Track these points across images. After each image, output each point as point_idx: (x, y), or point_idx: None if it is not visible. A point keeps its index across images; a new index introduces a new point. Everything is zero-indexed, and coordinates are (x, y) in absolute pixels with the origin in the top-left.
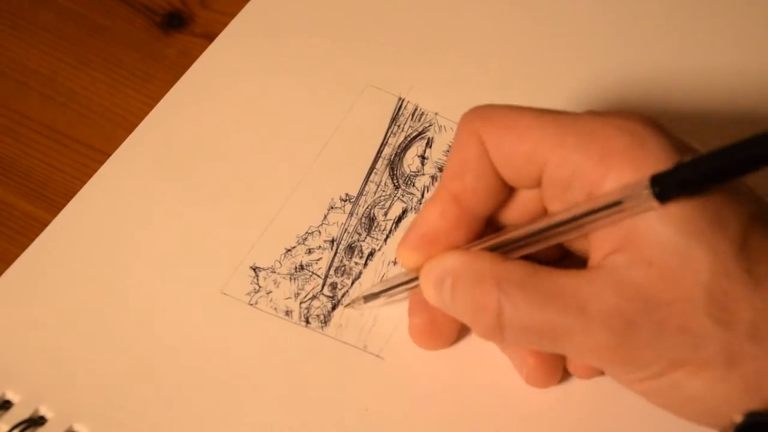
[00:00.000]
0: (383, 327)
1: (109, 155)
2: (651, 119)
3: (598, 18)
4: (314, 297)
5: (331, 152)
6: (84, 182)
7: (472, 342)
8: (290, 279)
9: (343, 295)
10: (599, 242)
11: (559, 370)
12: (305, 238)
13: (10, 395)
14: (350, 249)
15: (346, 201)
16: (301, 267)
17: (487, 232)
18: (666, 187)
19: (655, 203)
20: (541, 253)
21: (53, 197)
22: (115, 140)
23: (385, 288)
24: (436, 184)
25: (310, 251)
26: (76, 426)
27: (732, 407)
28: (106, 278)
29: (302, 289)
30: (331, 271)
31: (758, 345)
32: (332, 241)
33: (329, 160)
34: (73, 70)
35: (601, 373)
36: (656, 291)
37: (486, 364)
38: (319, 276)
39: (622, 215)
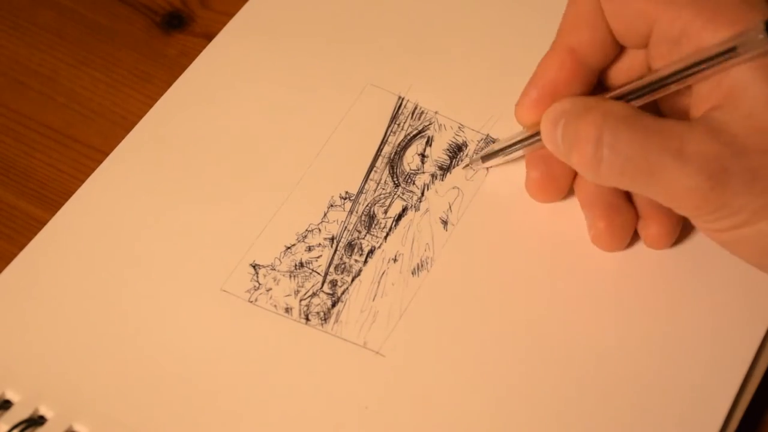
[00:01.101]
0: (383, 324)
1: (109, 155)
2: None
3: None
4: (314, 294)
5: (331, 150)
6: (84, 182)
7: (472, 343)
8: (290, 276)
9: (342, 293)
10: (700, 99)
11: (625, 238)
12: (305, 236)
13: (10, 395)
14: (350, 246)
15: (346, 199)
16: (301, 264)
17: (597, 90)
18: None
19: None
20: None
21: (53, 197)
22: (114, 140)
23: (504, 146)
24: (436, 182)
25: (309, 249)
26: (76, 426)
27: None
28: (105, 277)
29: (302, 287)
30: (331, 269)
31: None
32: (332, 239)
33: (329, 158)
34: (73, 70)
35: (671, 245)
36: (753, 141)
37: (485, 365)
38: (318, 273)
39: (737, 60)
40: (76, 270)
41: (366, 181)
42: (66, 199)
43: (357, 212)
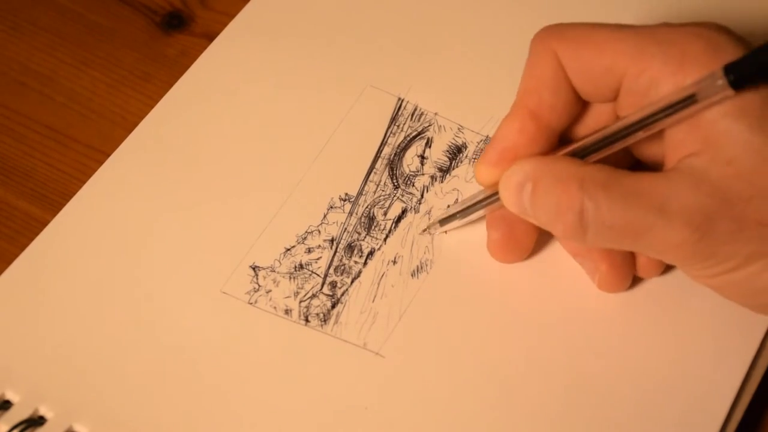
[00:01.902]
0: (383, 325)
1: (109, 155)
2: (724, 27)
3: (599, 18)
4: (314, 296)
5: (330, 152)
6: (84, 182)
7: (471, 344)
8: (290, 278)
9: (342, 294)
10: (675, 146)
11: (629, 275)
12: (305, 238)
13: (10, 395)
14: (350, 248)
15: (345, 200)
16: (301, 266)
17: (559, 145)
18: (739, 76)
19: (729, 92)
20: (612, 162)
21: (53, 197)
22: (114, 140)
23: (461, 208)
24: (436, 183)
25: (309, 250)
26: (76, 426)
27: None
28: (105, 278)
29: (302, 288)
30: (331, 270)
31: None
32: (332, 241)
33: (329, 159)
34: (73, 70)
35: (664, 270)
36: (735, 188)
37: (484, 366)
38: (318, 275)
39: (696, 108)
40: (77, 271)
41: (366, 182)
42: (66, 200)
43: (357, 214)
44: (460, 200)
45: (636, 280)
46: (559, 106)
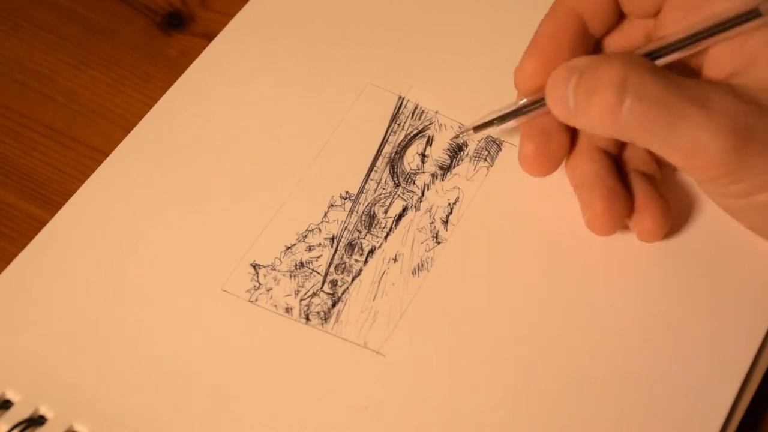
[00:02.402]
0: (383, 323)
1: (109, 155)
2: None
3: None
4: (314, 294)
5: (331, 150)
6: (84, 182)
7: (472, 342)
8: (290, 276)
9: (343, 293)
10: (718, 65)
11: (619, 222)
12: (305, 236)
13: (10, 395)
14: (350, 246)
15: (346, 199)
16: (301, 264)
17: None
18: None
19: None
20: None
21: (53, 197)
22: (115, 140)
23: (499, 115)
24: (436, 182)
25: (310, 249)
26: (76, 426)
27: None
28: (105, 277)
29: (302, 286)
30: (332, 269)
31: None
32: (332, 239)
33: (329, 158)
34: (73, 70)
35: (663, 237)
36: None
37: (485, 365)
38: (319, 273)
39: (759, 22)
40: (77, 270)
41: (366, 180)
42: (66, 199)
43: (357, 212)
44: (496, 108)
45: (635, 280)
46: (600, 8)
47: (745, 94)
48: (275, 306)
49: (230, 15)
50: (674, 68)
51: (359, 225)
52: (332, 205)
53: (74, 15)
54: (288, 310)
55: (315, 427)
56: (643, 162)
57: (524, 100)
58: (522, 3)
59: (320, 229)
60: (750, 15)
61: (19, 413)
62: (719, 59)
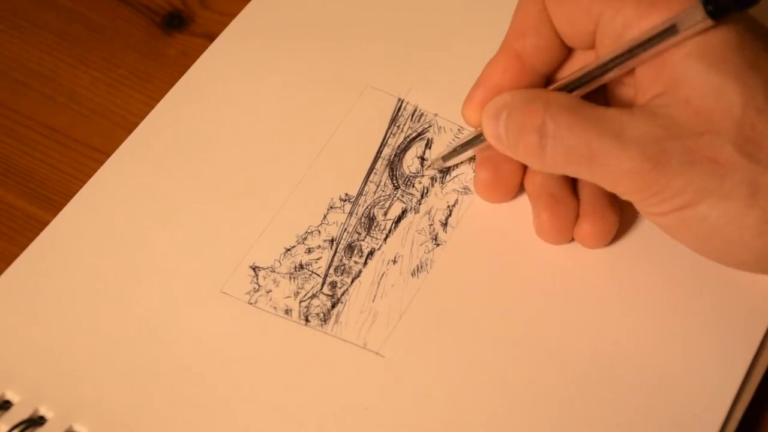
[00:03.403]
0: (383, 324)
1: (109, 155)
2: None
3: None
4: (314, 296)
5: (330, 152)
6: (84, 182)
7: (472, 343)
8: (290, 278)
9: (342, 294)
10: (644, 88)
11: (567, 231)
12: (305, 238)
13: (10, 395)
14: (350, 248)
15: (345, 201)
16: (301, 266)
17: None
18: (718, 5)
19: (709, 21)
20: None
21: (53, 197)
22: (115, 140)
23: (456, 146)
24: (435, 184)
25: (309, 250)
26: (76, 426)
27: (752, 237)
28: (105, 278)
29: (302, 288)
30: (331, 270)
31: None
32: (332, 241)
33: (329, 160)
34: (73, 70)
35: (605, 245)
36: (690, 124)
37: (484, 366)
38: (318, 275)
39: (676, 39)
40: (77, 271)
41: (366, 183)
42: (66, 200)
43: (357, 214)
44: (459, 138)
45: (634, 282)
46: (543, 48)
47: (663, 114)
48: (275, 308)
49: (230, 15)
50: (604, 95)
51: (359, 227)
52: (332, 207)
53: (74, 15)
54: (287, 311)
55: (315, 427)
56: None
57: (473, 134)
58: None
59: (320, 231)
60: (667, 33)
61: (18, 413)
62: (644, 81)
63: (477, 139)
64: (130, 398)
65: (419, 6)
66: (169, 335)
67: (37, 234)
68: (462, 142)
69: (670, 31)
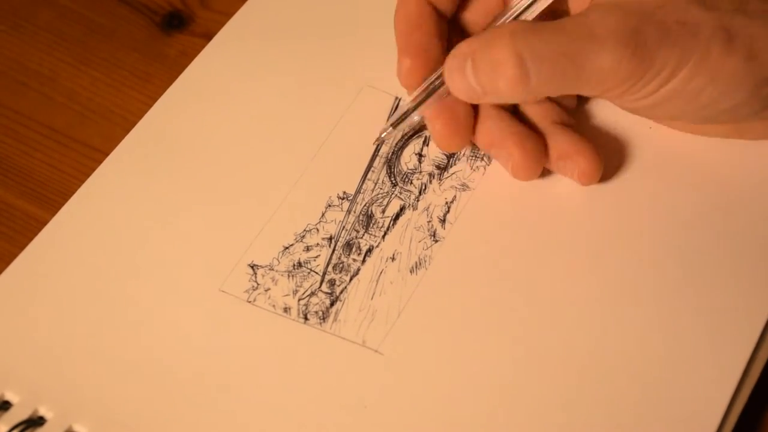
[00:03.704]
0: (382, 322)
1: (109, 155)
2: None
3: None
4: (312, 294)
5: (328, 151)
6: (84, 182)
7: (471, 340)
8: (288, 276)
9: (341, 292)
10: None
11: (541, 162)
12: (303, 236)
13: (9, 395)
14: (348, 246)
15: (343, 199)
16: (299, 264)
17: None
18: None
19: None
20: None
21: (53, 197)
22: (114, 140)
23: (406, 110)
24: (433, 181)
25: (308, 249)
26: (76, 426)
27: (739, 80)
28: (104, 277)
29: (300, 286)
30: (329, 268)
31: (743, 15)
32: (330, 239)
33: (327, 158)
34: (73, 70)
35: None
36: (647, 1)
37: (483, 363)
38: (317, 273)
39: None
40: (76, 270)
41: (364, 181)
42: (66, 199)
43: (355, 212)
44: (402, 105)
45: (632, 279)
46: None
47: (620, 3)
48: (273, 306)
49: (230, 15)
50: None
51: (357, 225)
52: (330, 206)
53: (74, 15)
54: (286, 309)
55: (314, 426)
56: (557, 114)
57: (419, 93)
58: None
59: (318, 229)
60: None
61: (19, 413)
62: None
63: (427, 98)
64: (130, 398)
65: None
66: (168, 334)
67: (36, 234)
68: (413, 105)
69: None
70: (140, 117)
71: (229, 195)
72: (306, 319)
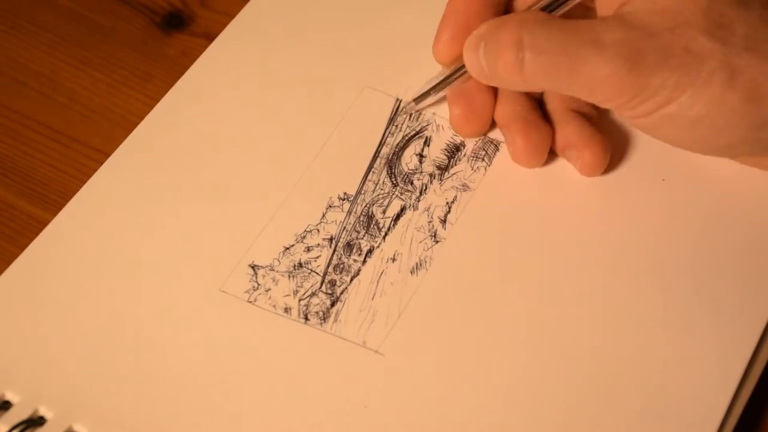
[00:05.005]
0: (382, 323)
1: (109, 155)
2: None
3: None
4: (313, 294)
5: (329, 152)
6: (84, 182)
7: (471, 341)
8: (289, 276)
9: (341, 292)
10: (607, 3)
11: (542, 150)
12: (304, 237)
13: (9, 395)
14: (349, 247)
15: (344, 200)
16: (300, 265)
17: None
18: None
19: None
20: None
21: (53, 197)
22: (115, 140)
23: (430, 87)
24: (434, 181)
25: (308, 249)
26: (76, 426)
27: (737, 117)
28: (105, 278)
29: (301, 287)
30: (330, 269)
31: (753, 54)
32: (331, 239)
33: (327, 159)
34: (73, 70)
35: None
36: (660, 23)
37: (484, 364)
38: (317, 273)
39: None
40: (77, 270)
41: (364, 182)
42: (66, 199)
43: (355, 213)
44: (429, 79)
45: (633, 279)
46: None
47: (635, 20)
48: (274, 306)
49: (230, 15)
50: (574, 15)
51: (357, 225)
52: (330, 206)
53: (74, 15)
54: (287, 310)
55: (314, 426)
56: (575, 101)
57: (446, 72)
58: None
59: (318, 230)
60: None
61: (19, 413)
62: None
63: (452, 75)
64: (130, 398)
65: (417, 7)
66: (169, 334)
67: (36, 234)
68: (436, 82)
69: None
70: (140, 117)
71: (230, 195)
72: (306, 319)
